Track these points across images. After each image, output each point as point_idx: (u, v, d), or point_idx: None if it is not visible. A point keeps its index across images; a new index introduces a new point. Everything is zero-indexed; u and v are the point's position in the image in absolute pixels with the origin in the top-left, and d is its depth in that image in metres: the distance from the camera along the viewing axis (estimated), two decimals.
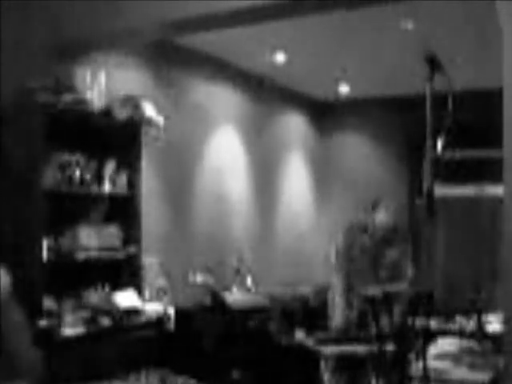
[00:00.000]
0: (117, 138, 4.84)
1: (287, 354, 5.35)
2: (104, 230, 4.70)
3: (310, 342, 5.17)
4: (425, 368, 3.07)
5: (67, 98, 4.32)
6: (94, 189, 4.65)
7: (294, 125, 8.21)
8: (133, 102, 4.82)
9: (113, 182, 4.77)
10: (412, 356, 4.10)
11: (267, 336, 5.67)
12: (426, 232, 2.77)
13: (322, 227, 8.50)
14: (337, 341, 4.92)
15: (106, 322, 4.41)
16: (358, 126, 8.59)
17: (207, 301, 5.68)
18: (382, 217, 5.52)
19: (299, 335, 5.60)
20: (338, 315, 5.37)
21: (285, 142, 7.98)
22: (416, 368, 3.65)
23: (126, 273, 4.87)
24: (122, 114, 4.71)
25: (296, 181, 8.21)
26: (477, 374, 3.69)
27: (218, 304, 5.63)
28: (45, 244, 4.20)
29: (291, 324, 6.06)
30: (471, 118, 6.52)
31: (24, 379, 2.27)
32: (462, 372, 3.74)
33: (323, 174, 8.64)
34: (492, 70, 3.93)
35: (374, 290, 5.11)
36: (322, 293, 6.51)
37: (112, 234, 4.74)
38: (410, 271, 5.37)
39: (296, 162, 8.22)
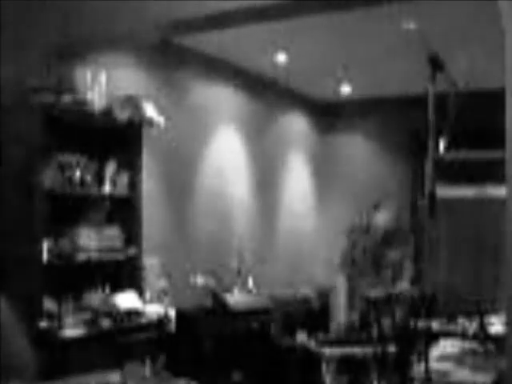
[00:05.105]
0: (117, 138, 4.83)
1: (289, 355, 5.33)
2: (104, 231, 4.68)
3: (311, 344, 5.15)
4: (427, 369, 3.05)
5: (67, 98, 4.31)
6: (95, 190, 4.64)
7: (296, 125, 8.19)
8: (133, 103, 4.81)
9: (113, 183, 4.76)
10: (414, 357, 4.09)
11: (268, 338, 5.66)
12: (427, 233, 2.76)
13: (323, 228, 8.49)
14: (338, 342, 4.91)
15: (106, 323, 4.39)
16: (360, 126, 8.57)
17: (208, 302, 5.67)
18: (383, 217, 5.51)
19: (301, 337, 5.58)
20: (339, 317, 5.36)
21: (286, 142, 7.97)
22: (418, 369, 3.64)
23: (126, 274, 4.85)
24: (122, 114, 4.69)
25: (297, 181, 8.19)
26: (479, 376, 3.68)
27: (219, 305, 5.62)
28: (45, 245, 4.18)
29: (293, 326, 6.04)
30: (473, 118, 6.49)
31: (19, 378, 2.27)
32: (464, 373, 3.73)
33: (324, 175, 8.62)
34: (494, 71, 3.91)
35: (376, 292, 5.09)
36: (324, 294, 6.50)
37: (112, 235, 4.73)
38: (411, 272, 5.36)
39: (297, 163, 8.20)
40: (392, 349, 4.59)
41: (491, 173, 7.09)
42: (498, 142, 3.15)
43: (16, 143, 4.21)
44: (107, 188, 4.71)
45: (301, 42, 5.93)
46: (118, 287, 4.73)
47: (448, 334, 4.94)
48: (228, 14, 3.92)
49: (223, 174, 6.69)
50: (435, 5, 4.70)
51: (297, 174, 8.18)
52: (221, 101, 6.67)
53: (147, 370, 2.61)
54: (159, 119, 5.01)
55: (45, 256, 4.17)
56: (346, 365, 4.76)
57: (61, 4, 4.37)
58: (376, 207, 5.52)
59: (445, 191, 7.22)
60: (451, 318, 5.53)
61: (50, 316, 4.15)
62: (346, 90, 7.92)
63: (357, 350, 4.76)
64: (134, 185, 4.88)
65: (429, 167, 2.68)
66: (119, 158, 4.81)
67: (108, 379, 2.54)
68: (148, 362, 2.82)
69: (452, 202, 7.60)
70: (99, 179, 4.68)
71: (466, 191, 7.71)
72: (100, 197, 4.76)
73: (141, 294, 4.86)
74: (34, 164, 4.19)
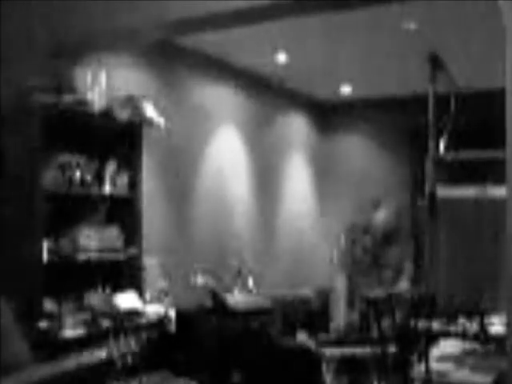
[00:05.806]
0: (117, 138, 4.83)
1: (289, 356, 5.33)
2: (104, 231, 4.68)
3: (311, 344, 5.15)
4: (427, 370, 3.05)
5: (67, 98, 4.31)
6: (95, 190, 4.63)
7: (296, 125, 8.19)
8: (133, 103, 4.80)
9: (113, 183, 4.75)
10: (414, 358, 4.08)
11: (268, 338, 5.65)
12: (428, 233, 2.75)
13: (323, 228, 8.48)
14: (339, 343, 4.90)
15: (106, 323, 4.39)
16: (360, 126, 8.57)
17: (208, 302, 5.66)
18: (383, 217, 5.50)
19: (301, 337, 5.58)
20: (339, 317, 5.35)
21: (286, 143, 7.97)
22: (418, 370, 3.64)
23: (126, 274, 4.85)
24: (122, 114, 4.69)
25: (297, 181, 8.19)
26: (479, 376, 3.67)
27: (219, 306, 5.61)
28: (45, 245, 4.18)
29: (293, 326, 6.04)
30: (474, 118, 6.49)
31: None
32: (464, 374, 3.72)
33: (325, 175, 8.62)
34: (495, 71, 3.91)
35: (376, 292, 5.09)
36: (324, 294, 6.49)
37: (113, 235, 4.72)
38: (411, 272, 5.36)
39: (297, 163, 8.20)
40: (392, 349, 4.59)
41: (492, 173, 7.08)
42: (498, 142, 3.15)
43: (16, 143, 4.21)
44: (107, 188, 4.70)
45: (301, 42, 5.93)
46: (118, 287, 4.73)
47: (448, 335, 4.94)
48: (228, 14, 3.92)
49: (223, 174, 6.69)
50: (435, 5, 4.70)
51: (297, 174, 8.18)
52: (221, 101, 6.67)
53: (132, 343, 2.60)
54: (159, 119, 5.01)
55: (45, 256, 4.17)
56: (346, 365, 4.75)
57: (61, 4, 4.37)
58: (376, 206, 5.52)
59: (445, 191, 7.22)
60: (451, 318, 5.52)
61: (50, 316, 4.14)
62: (346, 90, 7.92)
63: (357, 351, 4.76)
64: (134, 185, 4.88)
65: (429, 167, 2.67)
66: (119, 158, 4.80)
67: (95, 356, 2.53)
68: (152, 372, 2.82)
69: (452, 201, 7.60)
70: (99, 179, 4.67)
71: (466, 191, 7.71)
72: (100, 197, 4.75)
73: (141, 294, 4.86)
74: (34, 164, 4.19)
